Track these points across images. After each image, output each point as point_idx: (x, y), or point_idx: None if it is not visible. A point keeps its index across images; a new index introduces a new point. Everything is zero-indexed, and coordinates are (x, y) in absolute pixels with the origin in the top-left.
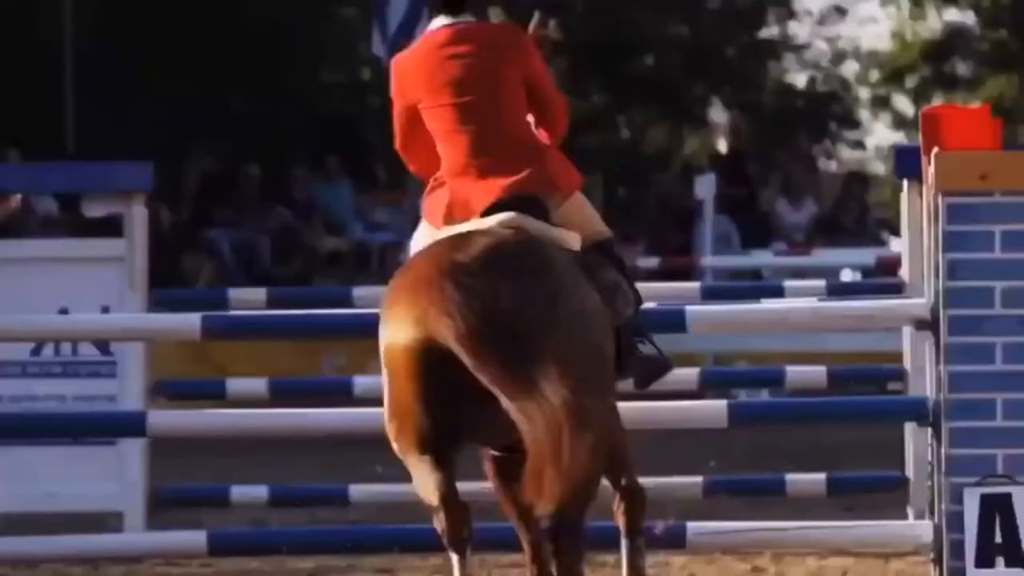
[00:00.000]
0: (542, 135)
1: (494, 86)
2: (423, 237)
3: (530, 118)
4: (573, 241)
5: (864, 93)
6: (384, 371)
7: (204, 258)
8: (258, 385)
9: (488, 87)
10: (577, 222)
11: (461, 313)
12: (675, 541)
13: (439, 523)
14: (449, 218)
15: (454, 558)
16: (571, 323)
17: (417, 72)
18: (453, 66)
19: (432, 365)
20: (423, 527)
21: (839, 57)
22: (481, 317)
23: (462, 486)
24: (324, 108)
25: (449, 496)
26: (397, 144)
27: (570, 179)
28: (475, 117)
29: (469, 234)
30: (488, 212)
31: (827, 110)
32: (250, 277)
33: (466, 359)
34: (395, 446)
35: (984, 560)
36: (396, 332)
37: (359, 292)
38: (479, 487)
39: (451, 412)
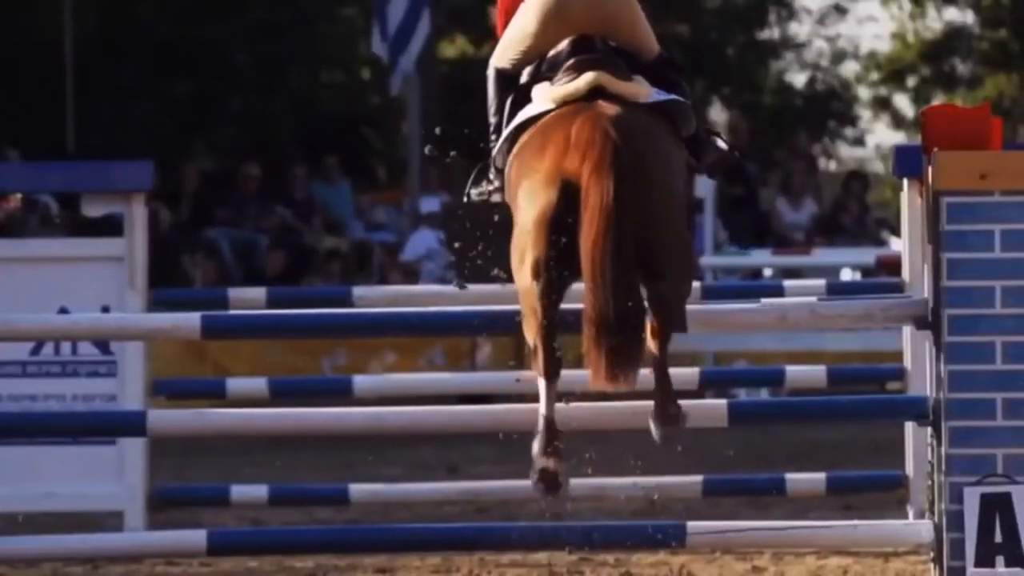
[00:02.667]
0: None
1: None
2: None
3: None
4: (643, 92)
5: (864, 93)
6: (520, 199)
7: (204, 258)
8: (258, 385)
9: None
10: (641, 29)
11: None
12: (675, 540)
13: (535, 363)
14: None
15: (542, 383)
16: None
17: None
18: None
19: (564, 198)
20: (423, 527)
21: (839, 57)
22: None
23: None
24: (324, 108)
25: (547, 338)
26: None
27: None
28: None
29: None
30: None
31: (827, 109)
32: (250, 277)
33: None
34: (516, 278)
35: (984, 559)
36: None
37: (359, 292)
38: (477, 486)
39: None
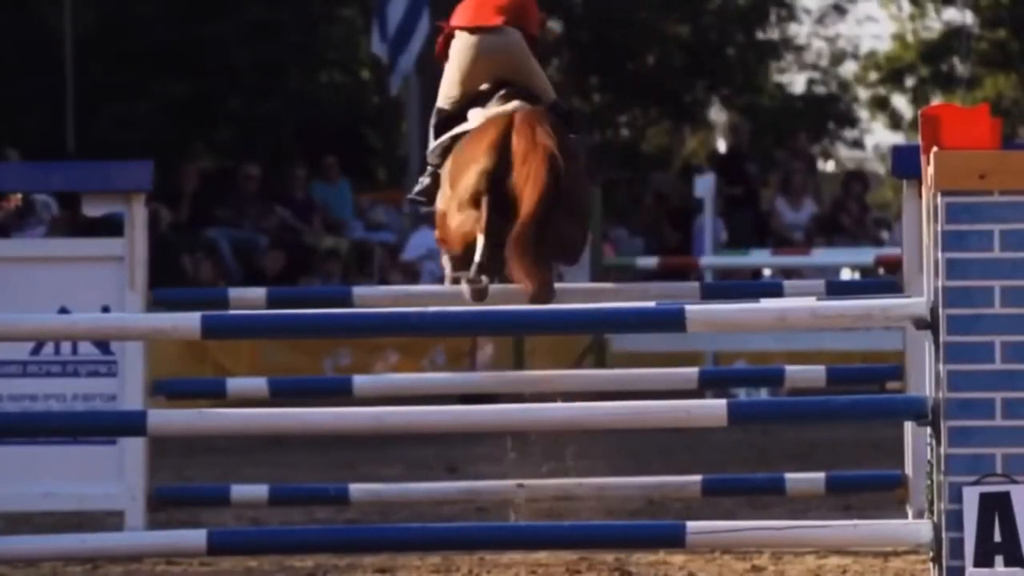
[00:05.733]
0: None
1: None
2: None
3: None
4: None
5: (863, 93)
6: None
7: (204, 258)
8: (258, 385)
9: None
10: (538, 77)
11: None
12: (675, 540)
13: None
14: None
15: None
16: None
17: None
18: None
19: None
20: (423, 527)
21: (838, 57)
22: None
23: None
24: (324, 108)
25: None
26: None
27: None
28: None
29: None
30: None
31: (826, 110)
32: (250, 277)
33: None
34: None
35: (983, 559)
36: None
37: (359, 292)
38: (477, 486)
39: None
